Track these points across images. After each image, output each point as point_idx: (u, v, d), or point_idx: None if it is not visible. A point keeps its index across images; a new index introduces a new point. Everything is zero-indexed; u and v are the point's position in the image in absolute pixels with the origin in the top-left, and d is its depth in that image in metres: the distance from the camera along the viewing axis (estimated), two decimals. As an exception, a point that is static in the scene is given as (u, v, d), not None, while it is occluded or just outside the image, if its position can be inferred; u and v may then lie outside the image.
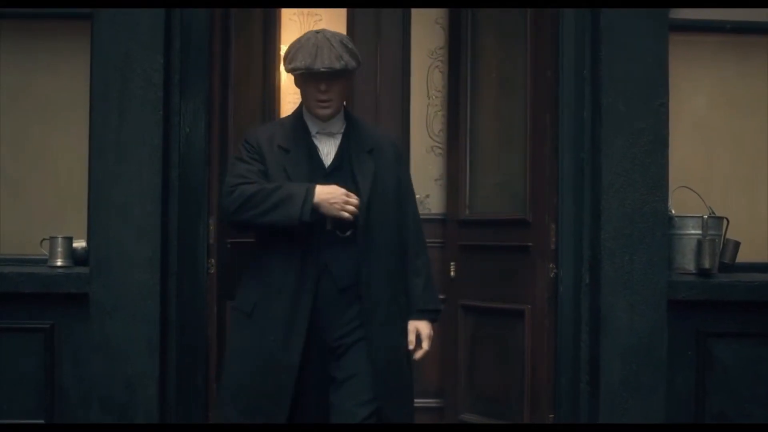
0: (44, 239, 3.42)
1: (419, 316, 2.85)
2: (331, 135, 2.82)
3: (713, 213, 3.52)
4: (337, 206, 2.67)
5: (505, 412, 3.77)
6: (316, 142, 2.81)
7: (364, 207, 2.73)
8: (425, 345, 2.84)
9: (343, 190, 2.70)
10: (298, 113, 2.86)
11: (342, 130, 2.83)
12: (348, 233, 2.74)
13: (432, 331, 2.87)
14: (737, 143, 3.72)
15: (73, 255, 3.41)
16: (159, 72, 3.31)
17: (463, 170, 4.06)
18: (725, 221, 3.55)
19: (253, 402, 2.74)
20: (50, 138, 3.57)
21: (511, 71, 3.83)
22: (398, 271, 2.84)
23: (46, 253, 3.41)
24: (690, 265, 3.48)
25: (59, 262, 3.37)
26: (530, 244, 3.66)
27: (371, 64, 4.41)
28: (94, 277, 3.28)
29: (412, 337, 2.83)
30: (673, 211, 3.49)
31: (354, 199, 2.70)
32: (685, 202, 3.54)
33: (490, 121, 3.96)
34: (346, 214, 2.68)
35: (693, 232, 3.47)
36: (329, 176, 2.75)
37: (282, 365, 2.70)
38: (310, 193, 2.66)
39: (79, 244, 3.43)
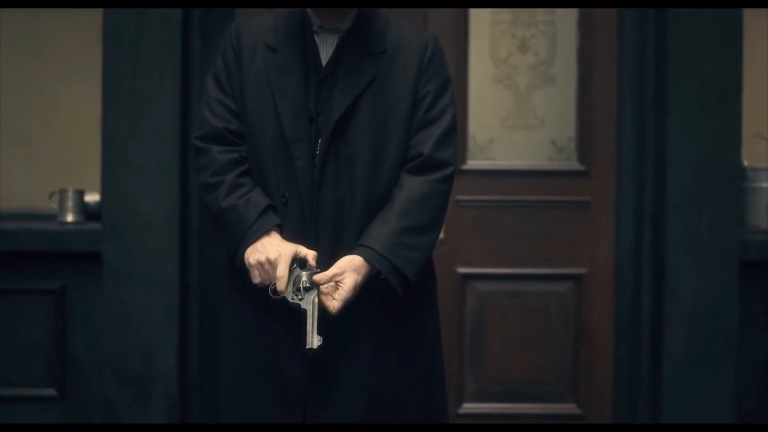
0: (53, 192, 3.19)
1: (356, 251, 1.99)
2: (336, 32, 2.05)
3: (790, 164, 3.24)
4: (256, 277, 1.99)
5: (536, 395, 3.41)
6: (318, 40, 2.06)
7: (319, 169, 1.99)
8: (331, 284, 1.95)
9: (278, 260, 1.95)
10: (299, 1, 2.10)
11: (349, 26, 2.06)
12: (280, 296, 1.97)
13: (358, 281, 1.95)
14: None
15: (85, 209, 3.18)
16: (177, 9, 3.03)
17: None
18: (802, 173, 3.26)
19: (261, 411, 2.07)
20: (61, 87, 3.34)
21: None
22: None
23: (56, 208, 3.17)
24: (763, 222, 3.20)
25: (70, 218, 3.14)
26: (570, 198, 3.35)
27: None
28: (107, 238, 3.02)
29: (329, 273, 1.96)
30: (746, 163, 3.20)
31: (278, 272, 1.95)
32: (758, 152, 3.25)
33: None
34: (258, 280, 2.00)
35: (767, 185, 3.19)
36: (319, 88, 2.03)
37: (290, 357, 2.04)
38: (246, 240, 1.99)
39: (92, 197, 3.20)
